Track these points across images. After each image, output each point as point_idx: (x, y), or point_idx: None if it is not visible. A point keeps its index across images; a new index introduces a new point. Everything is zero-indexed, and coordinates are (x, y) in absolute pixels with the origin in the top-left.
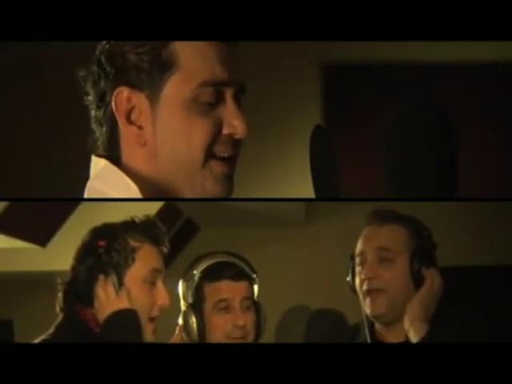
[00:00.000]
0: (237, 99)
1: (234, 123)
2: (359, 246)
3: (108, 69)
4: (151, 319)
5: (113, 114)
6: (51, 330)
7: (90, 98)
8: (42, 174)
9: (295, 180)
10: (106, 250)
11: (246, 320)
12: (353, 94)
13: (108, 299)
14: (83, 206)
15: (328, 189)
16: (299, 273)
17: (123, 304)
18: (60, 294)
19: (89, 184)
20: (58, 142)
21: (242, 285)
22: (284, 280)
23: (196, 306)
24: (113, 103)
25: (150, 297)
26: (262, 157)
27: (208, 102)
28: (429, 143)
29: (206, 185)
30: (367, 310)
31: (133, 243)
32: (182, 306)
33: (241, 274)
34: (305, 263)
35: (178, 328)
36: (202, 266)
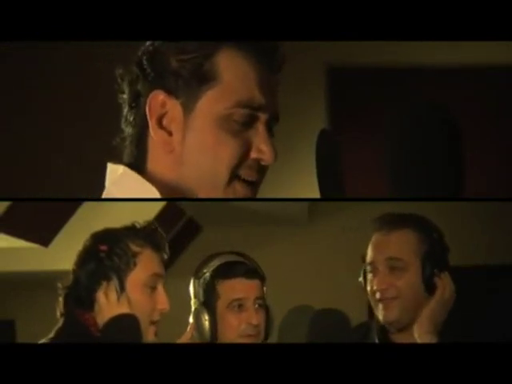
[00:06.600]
0: (268, 126)
1: (263, 148)
2: (369, 254)
3: (148, 70)
4: (152, 323)
5: (145, 115)
6: (52, 335)
7: (124, 96)
8: (44, 174)
9: (298, 180)
10: (107, 254)
11: (259, 319)
12: (357, 95)
13: (109, 303)
14: (85, 206)
15: (334, 190)
16: (302, 272)
17: (124, 308)
18: (60, 299)
19: (106, 192)
20: (60, 143)
21: (255, 283)
22: (287, 279)
23: (208, 304)
24: (147, 105)
25: (151, 301)
26: None
27: (240, 123)
28: (433, 144)
29: None
30: (380, 316)
31: (134, 248)
32: (193, 304)
33: (253, 273)
34: (308, 262)
35: (189, 327)
36: (214, 264)
